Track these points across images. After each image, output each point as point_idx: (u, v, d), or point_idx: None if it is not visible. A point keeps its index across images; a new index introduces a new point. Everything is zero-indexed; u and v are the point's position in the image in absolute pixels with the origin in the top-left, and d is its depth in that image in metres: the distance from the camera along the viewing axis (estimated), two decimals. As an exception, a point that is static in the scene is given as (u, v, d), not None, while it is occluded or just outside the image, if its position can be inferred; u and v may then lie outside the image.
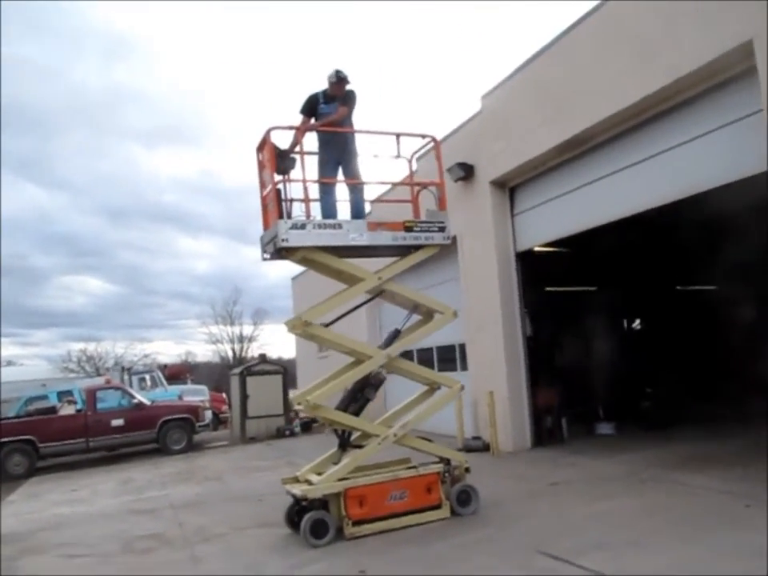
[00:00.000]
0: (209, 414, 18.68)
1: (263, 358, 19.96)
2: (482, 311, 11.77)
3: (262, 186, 7.38)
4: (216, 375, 47.30)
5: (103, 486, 11.96)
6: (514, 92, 10.76)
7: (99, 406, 16.00)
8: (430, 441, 7.30)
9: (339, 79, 7.49)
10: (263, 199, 7.37)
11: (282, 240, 6.60)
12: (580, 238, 10.55)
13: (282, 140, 7.26)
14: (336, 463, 7.01)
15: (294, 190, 7.15)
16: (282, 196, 7.04)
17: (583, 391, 13.36)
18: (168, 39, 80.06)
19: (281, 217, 6.81)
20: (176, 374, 31.08)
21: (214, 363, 55.49)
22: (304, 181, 7.03)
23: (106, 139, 75.92)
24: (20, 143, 70.34)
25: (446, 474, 7.04)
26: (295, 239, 6.68)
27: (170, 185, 77.39)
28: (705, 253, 15.99)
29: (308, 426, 18.79)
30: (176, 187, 77.79)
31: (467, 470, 7.20)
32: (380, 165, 7.70)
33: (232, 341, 54.71)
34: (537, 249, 11.87)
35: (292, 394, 21.04)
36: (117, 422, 15.76)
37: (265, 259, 7.34)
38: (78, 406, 17.04)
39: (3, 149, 67.92)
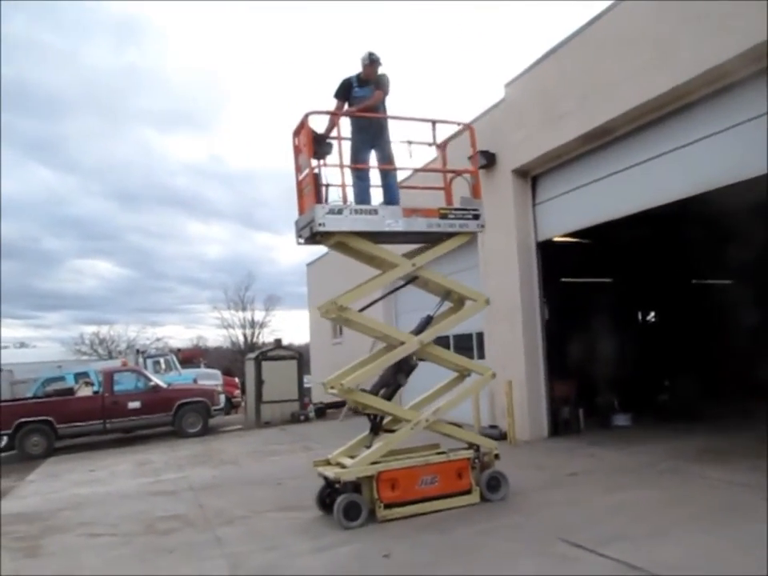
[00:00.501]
0: (222, 399, 18.82)
1: (278, 344, 20.02)
2: (501, 300, 11.72)
3: (298, 170, 7.38)
4: (226, 360, 47.59)
5: (121, 468, 12.09)
6: (538, 81, 10.67)
7: (116, 388, 16.14)
8: (460, 427, 7.32)
9: (371, 61, 7.47)
10: (299, 184, 7.39)
11: (319, 224, 6.64)
12: (598, 229, 10.53)
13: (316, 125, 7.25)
14: (368, 447, 7.09)
15: (327, 175, 7.14)
16: (319, 181, 7.04)
17: (600, 382, 13.33)
18: (181, 22, 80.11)
19: (318, 201, 6.83)
20: (189, 357, 31.26)
21: (225, 348, 55.73)
22: (341, 166, 7.05)
23: (118, 122, 76.13)
24: (31, 125, 70.59)
25: (476, 460, 7.12)
26: (332, 224, 6.72)
27: (180, 169, 77.62)
28: (723, 247, 15.87)
29: (322, 412, 18.90)
30: (187, 171, 78.00)
31: (497, 456, 7.27)
32: (404, 150, 7.65)
33: (243, 326, 54.90)
34: (557, 239, 11.84)
35: (306, 379, 21.26)
36: (133, 405, 15.92)
37: (299, 243, 7.38)
38: (95, 388, 17.22)
39: (15, 130, 68.06)
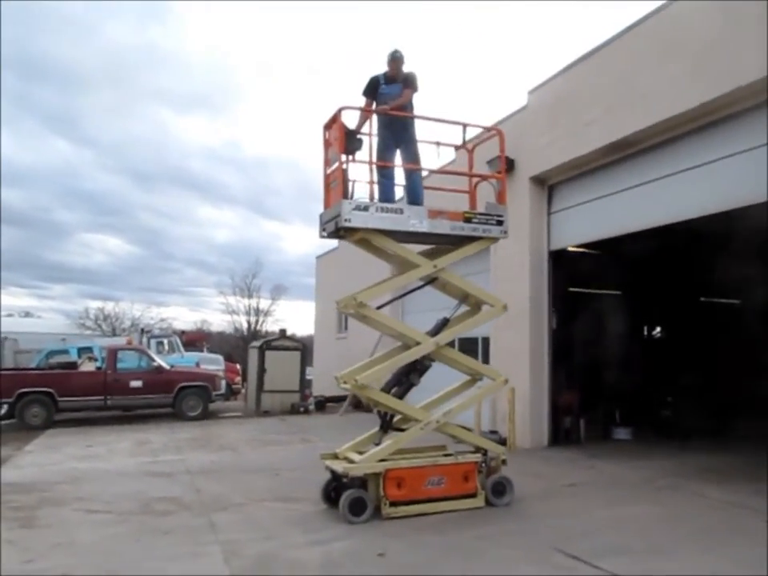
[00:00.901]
0: (224, 384, 18.85)
1: (283, 334, 20.04)
2: (510, 306, 11.68)
3: (327, 164, 7.42)
4: (229, 346, 47.70)
5: (120, 446, 12.12)
6: (562, 90, 10.63)
7: (119, 365, 16.20)
8: (469, 430, 7.32)
9: (394, 59, 7.54)
10: (326, 177, 7.42)
11: (345, 220, 6.69)
12: (610, 241, 10.51)
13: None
14: (377, 444, 7.12)
15: (353, 171, 7.18)
16: (346, 176, 7.08)
17: (603, 394, 13.31)
18: (204, 5, 79.92)
19: (345, 196, 6.87)
20: (193, 340, 31.30)
21: (228, 334, 55.85)
22: (370, 163, 7.11)
23: (136, 100, 76.23)
24: (50, 96, 70.73)
25: (483, 464, 7.16)
26: (358, 220, 6.78)
27: (196, 151, 77.68)
28: (733, 267, 15.80)
29: (322, 405, 18.90)
30: (201, 154, 78.04)
31: (504, 461, 7.31)
32: (431, 151, 7.73)
33: (248, 313, 54.99)
34: (569, 249, 11.80)
35: (309, 371, 21.27)
36: (135, 383, 15.96)
37: (322, 236, 7.45)
38: (98, 364, 17.27)
39: (34, 100, 68.23)
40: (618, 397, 13.42)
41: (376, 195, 7.22)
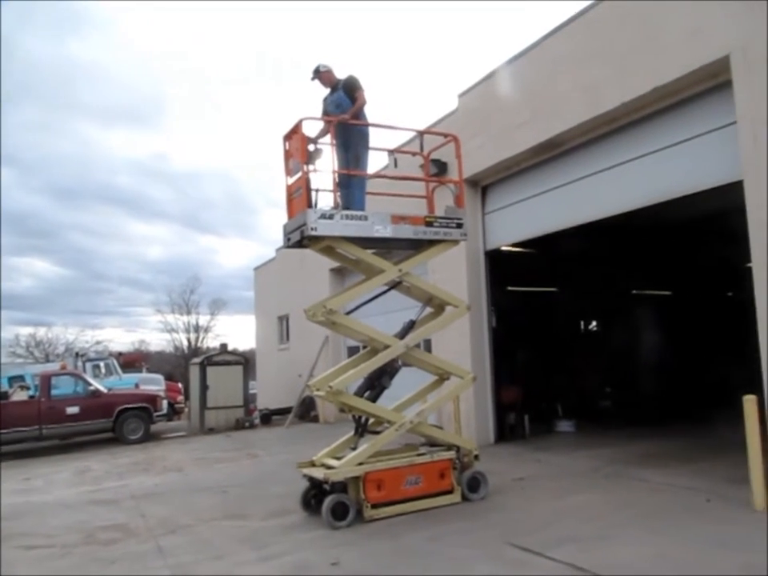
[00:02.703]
0: (165, 404, 18.39)
1: (224, 348, 19.70)
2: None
3: (288, 174, 7.45)
4: (169, 365, 46.69)
5: (58, 476, 11.65)
6: (491, 92, 10.83)
7: (54, 392, 15.57)
8: (441, 428, 7.54)
9: (318, 74, 7.75)
10: (288, 188, 7.47)
11: (312, 229, 6.74)
12: (544, 239, 10.76)
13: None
14: (354, 448, 7.18)
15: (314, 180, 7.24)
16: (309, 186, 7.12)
17: (544, 389, 13.59)
18: (125, 15, 78.11)
19: (309, 206, 6.92)
20: (131, 362, 30.58)
21: (168, 353, 54.69)
22: (333, 171, 7.22)
23: (57, 115, 73.82)
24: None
25: (457, 461, 7.32)
26: (323, 229, 6.83)
27: (122, 166, 75.76)
28: (662, 259, 16.44)
29: (268, 418, 18.68)
30: (129, 169, 76.18)
31: (477, 457, 7.51)
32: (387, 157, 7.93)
33: (188, 330, 53.95)
34: (504, 248, 12.02)
35: (252, 385, 20.99)
36: (72, 410, 15.37)
37: (287, 246, 7.55)
38: (31, 392, 16.61)
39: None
40: (560, 390, 13.74)
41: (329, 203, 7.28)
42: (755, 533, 5.44)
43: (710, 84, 7.40)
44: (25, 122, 72.56)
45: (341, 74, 7.82)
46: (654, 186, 8.35)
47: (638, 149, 8.61)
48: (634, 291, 19.36)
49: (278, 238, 8.88)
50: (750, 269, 6.65)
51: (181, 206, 78.99)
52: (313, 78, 7.78)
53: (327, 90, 7.90)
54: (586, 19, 8.91)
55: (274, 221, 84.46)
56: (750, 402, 6.10)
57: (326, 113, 7.76)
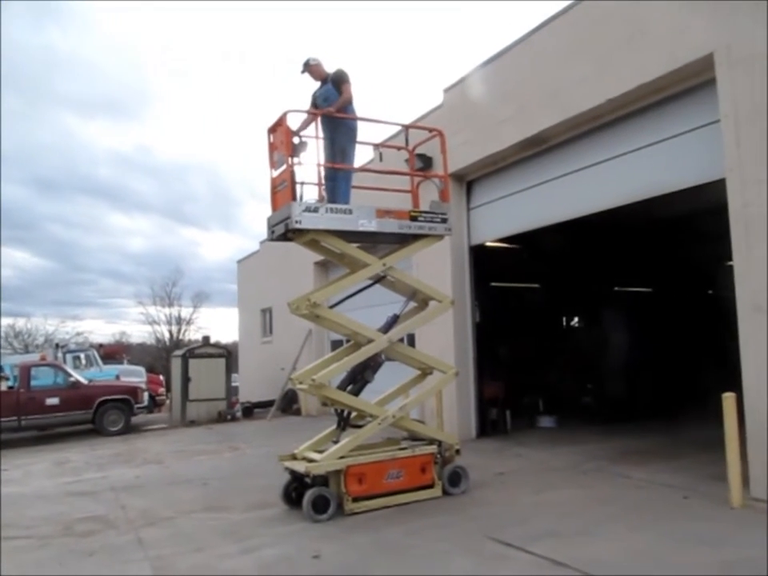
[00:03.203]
0: (146, 396, 18.26)
1: (206, 341, 19.62)
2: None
3: (272, 167, 7.42)
4: (151, 357, 46.39)
5: (37, 467, 11.53)
6: (477, 88, 10.81)
7: (33, 383, 15.39)
8: (423, 423, 7.75)
9: (309, 68, 7.75)
10: (273, 181, 7.43)
11: (296, 222, 6.72)
12: (528, 235, 10.80)
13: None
14: (336, 441, 7.19)
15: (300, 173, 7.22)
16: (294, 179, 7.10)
17: (526, 384, 13.64)
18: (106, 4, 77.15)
19: (293, 198, 6.88)
20: (112, 353, 30.35)
21: (149, 345, 54.30)
22: (318, 165, 7.14)
23: (38, 105, 72.83)
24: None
25: (438, 456, 7.33)
26: (308, 222, 6.81)
27: (104, 157, 74.94)
28: (645, 256, 16.57)
29: (250, 411, 18.64)
30: (111, 161, 75.34)
31: (458, 451, 7.51)
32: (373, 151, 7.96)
33: (169, 322, 53.58)
34: (488, 244, 12.04)
35: (234, 377, 20.91)
36: (51, 401, 15.22)
37: (271, 239, 7.48)
38: (10, 383, 16.41)
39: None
40: (541, 386, 13.81)
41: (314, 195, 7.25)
42: (731, 530, 5.53)
43: (694, 82, 7.44)
44: (3, 112, 71.41)
45: (330, 68, 7.82)
46: (637, 183, 8.39)
47: (622, 146, 8.65)
48: (617, 288, 19.52)
49: (262, 231, 8.89)
50: (731, 267, 6.71)
51: (163, 198, 78.48)
52: (303, 72, 7.79)
53: (318, 84, 7.89)
54: (571, 16, 8.92)
55: (258, 214, 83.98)
56: (728, 399, 6.16)
57: (315, 106, 7.76)
